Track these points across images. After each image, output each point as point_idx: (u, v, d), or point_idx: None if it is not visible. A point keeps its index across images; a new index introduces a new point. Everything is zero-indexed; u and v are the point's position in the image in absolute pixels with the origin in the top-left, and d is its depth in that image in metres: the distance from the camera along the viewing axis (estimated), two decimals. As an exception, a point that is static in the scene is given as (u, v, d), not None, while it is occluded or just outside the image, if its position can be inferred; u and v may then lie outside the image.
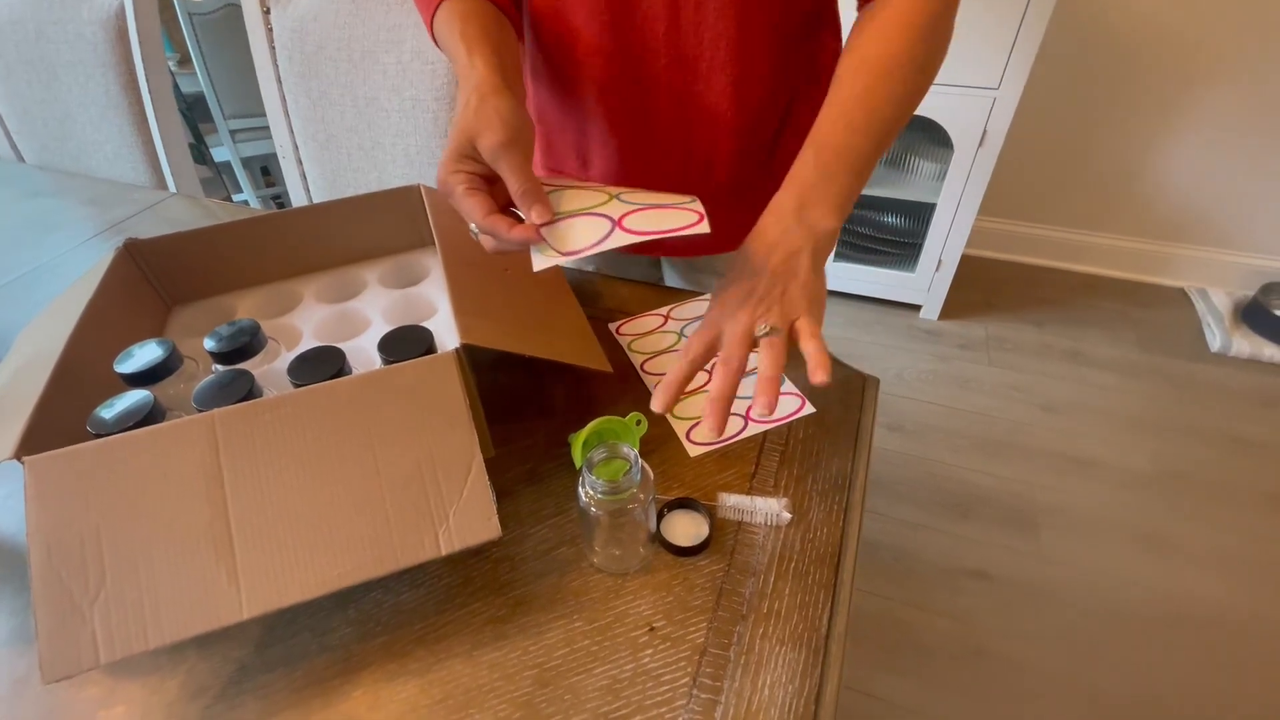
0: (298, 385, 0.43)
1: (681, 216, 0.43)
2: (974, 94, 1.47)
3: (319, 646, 0.41)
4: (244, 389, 0.43)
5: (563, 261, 0.42)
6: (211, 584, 0.35)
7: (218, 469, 0.37)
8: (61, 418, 0.41)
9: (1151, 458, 1.44)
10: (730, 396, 0.40)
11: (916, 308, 1.88)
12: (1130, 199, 1.86)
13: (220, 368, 0.48)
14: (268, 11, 0.98)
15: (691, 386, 0.57)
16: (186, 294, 0.60)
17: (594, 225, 0.43)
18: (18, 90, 1.16)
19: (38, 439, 0.38)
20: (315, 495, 0.38)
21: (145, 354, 0.46)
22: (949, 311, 1.85)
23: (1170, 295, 1.90)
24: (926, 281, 1.80)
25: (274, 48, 1.00)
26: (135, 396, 0.42)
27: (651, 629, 0.40)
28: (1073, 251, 1.99)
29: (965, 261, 1.73)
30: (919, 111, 1.46)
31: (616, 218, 0.43)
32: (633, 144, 0.63)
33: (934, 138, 1.63)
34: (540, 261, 0.42)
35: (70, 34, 1.07)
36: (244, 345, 0.49)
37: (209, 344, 0.48)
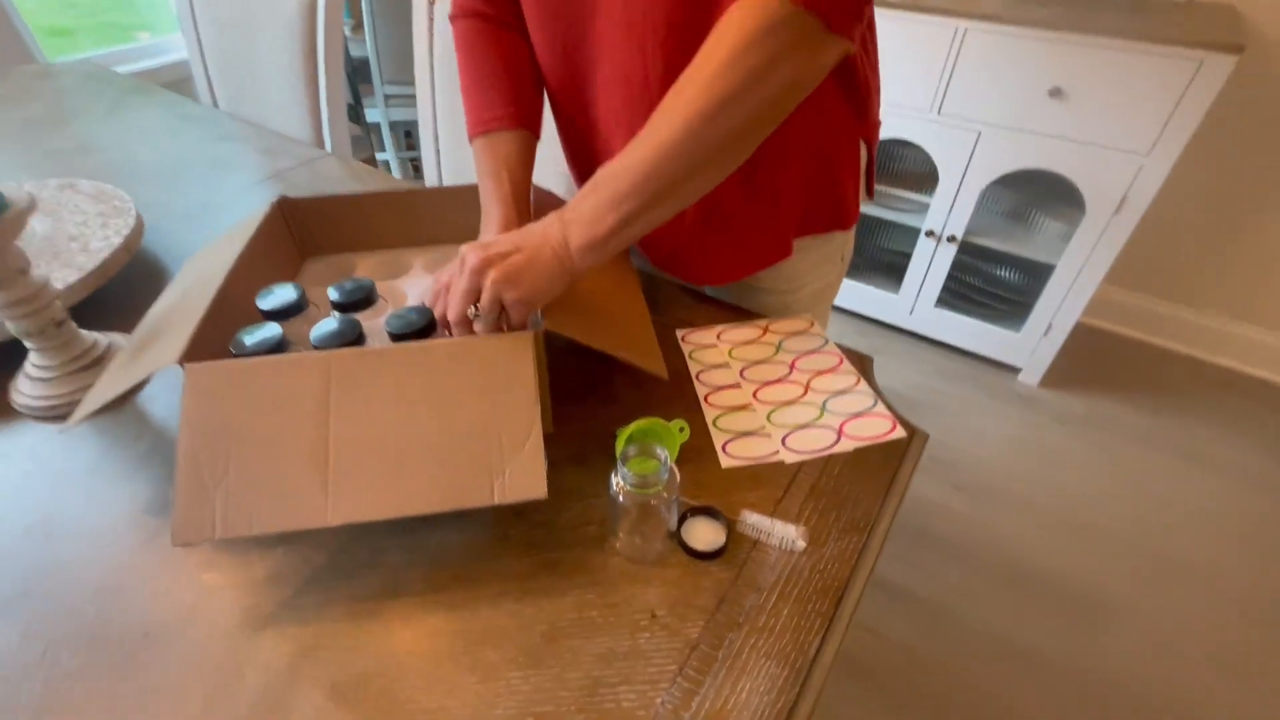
0: (392, 337, 0.51)
1: (881, 424, 0.59)
2: (1118, 155, 1.36)
3: (374, 565, 0.48)
4: (354, 335, 0.51)
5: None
6: (307, 491, 0.43)
7: (327, 398, 0.45)
8: (209, 337, 0.50)
9: (1254, 578, 1.31)
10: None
11: (1016, 370, 1.78)
12: (1287, 292, 1.68)
13: (337, 314, 0.56)
14: (436, -2, 1.10)
15: (738, 402, 0.60)
16: (318, 248, 0.70)
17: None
18: (222, 46, 1.35)
19: (191, 351, 0.47)
20: (400, 433, 0.44)
21: (281, 294, 0.55)
22: (1051, 380, 1.74)
23: (1318, 406, 1.70)
24: (1031, 344, 1.70)
25: (432, 20, 1.11)
26: (270, 328, 0.51)
27: (654, 616, 0.44)
28: (1209, 339, 1.82)
29: (1080, 330, 1.63)
30: (1050, 167, 1.41)
31: (836, 428, 0.58)
32: None
33: (1064, 196, 1.53)
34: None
35: (271, 4, 1.24)
36: (360, 300, 0.57)
37: (333, 294, 0.57)
